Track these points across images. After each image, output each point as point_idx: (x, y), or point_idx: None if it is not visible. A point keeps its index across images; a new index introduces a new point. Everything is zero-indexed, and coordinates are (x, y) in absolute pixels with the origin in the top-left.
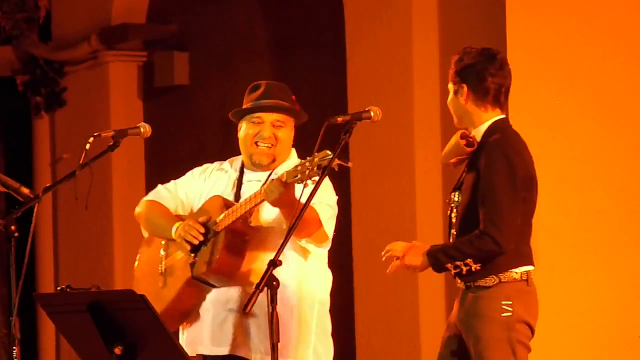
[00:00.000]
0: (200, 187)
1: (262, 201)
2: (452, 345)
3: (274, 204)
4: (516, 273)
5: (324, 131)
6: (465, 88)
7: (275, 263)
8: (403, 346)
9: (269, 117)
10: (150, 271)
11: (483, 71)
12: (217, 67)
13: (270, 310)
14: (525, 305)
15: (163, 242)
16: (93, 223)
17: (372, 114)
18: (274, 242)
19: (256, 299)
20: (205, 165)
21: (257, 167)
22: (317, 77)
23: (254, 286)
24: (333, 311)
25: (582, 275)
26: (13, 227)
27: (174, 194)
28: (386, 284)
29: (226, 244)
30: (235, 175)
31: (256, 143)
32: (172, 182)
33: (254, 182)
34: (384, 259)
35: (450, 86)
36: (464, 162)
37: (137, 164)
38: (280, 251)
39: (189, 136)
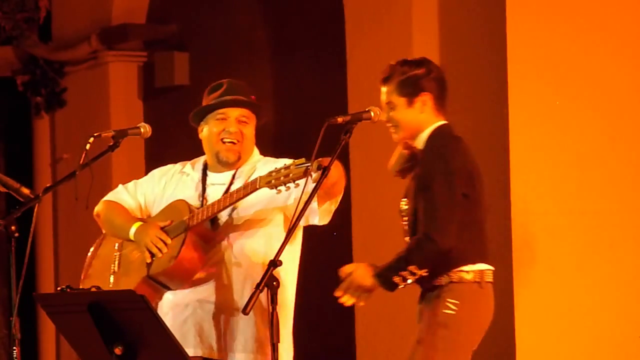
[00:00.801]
0: (159, 190)
1: (226, 206)
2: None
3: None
4: (466, 272)
5: (324, 131)
6: (429, 96)
7: (275, 263)
8: (403, 346)
9: (233, 113)
10: (102, 269)
11: (443, 79)
12: (217, 67)
13: (270, 310)
14: (473, 307)
15: (117, 242)
16: (93, 223)
17: (372, 114)
18: (237, 248)
19: (256, 299)
20: (168, 167)
21: (223, 165)
22: (317, 77)
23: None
24: (333, 311)
25: (582, 275)
26: (13, 227)
27: (133, 195)
28: None
29: (186, 246)
30: (197, 177)
31: (222, 140)
32: (132, 182)
33: (217, 185)
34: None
35: (400, 99)
36: (411, 170)
37: (137, 164)
38: (280, 251)
39: (189, 136)
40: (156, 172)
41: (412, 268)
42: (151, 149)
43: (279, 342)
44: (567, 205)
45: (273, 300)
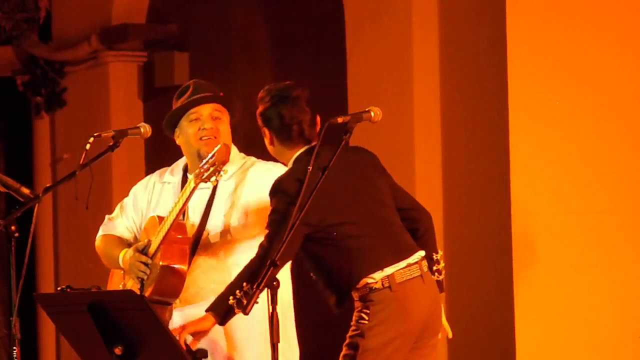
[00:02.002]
0: (145, 206)
1: (184, 205)
2: None
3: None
4: (372, 279)
5: (324, 131)
6: (267, 132)
7: (275, 263)
8: None
9: (205, 110)
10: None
11: (279, 112)
12: (217, 67)
13: (270, 310)
14: (387, 313)
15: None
16: (93, 223)
17: (372, 114)
18: (219, 245)
19: (256, 299)
20: (146, 179)
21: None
22: (317, 77)
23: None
24: (332, 311)
25: (582, 275)
26: (13, 227)
27: (120, 221)
28: None
29: (162, 257)
30: (177, 179)
31: (200, 138)
32: (117, 206)
33: (204, 189)
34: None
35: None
36: None
37: (137, 164)
38: (280, 251)
39: None
40: (137, 190)
41: (244, 285)
42: (151, 149)
43: (279, 341)
44: (567, 205)
45: (273, 300)
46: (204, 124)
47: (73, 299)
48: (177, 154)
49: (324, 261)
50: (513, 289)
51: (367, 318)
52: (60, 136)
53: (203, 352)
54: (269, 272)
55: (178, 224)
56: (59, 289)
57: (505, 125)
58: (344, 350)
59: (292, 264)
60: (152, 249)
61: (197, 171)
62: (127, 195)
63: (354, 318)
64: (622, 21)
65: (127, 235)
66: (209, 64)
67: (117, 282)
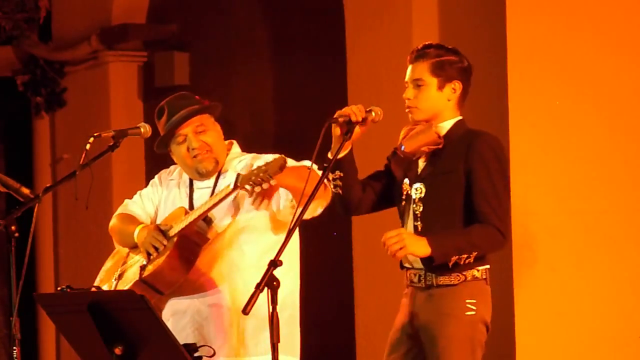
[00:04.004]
0: (161, 196)
1: (214, 206)
2: (402, 347)
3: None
4: (477, 271)
5: (324, 131)
6: (460, 85)
7: (275, 263)
8: None
9: (188, 129)
10: (107, 278)
11: (471, 77)
12: (217, 67)
13: (270, 310)
14: (485, 305)
15: (125, 252)
16: (93, 223)
17: (374, 114)
18: (227, 254)
19: (256, 299)
20: (161, 172)
21: (205, 175)
22: (317, 77)
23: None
24: (332, 311)
25: (582, 275)
26: (13, 227)
27: (140, 205)
28: (386, 283)
29: (174, 249)
30: (185, 184)
31: (194, 157)
32: (137, 193)
33: (204, 188)
34: (388, 251)
35: (432, 79)
36: (423, 153)
37: (137, 164)
38: (280, 251)
39: None
40: (156, 180)
41: (474, 254)
42: (151, 149)
43: (279, 342)
44: (567, 205)
45: (273, 300)
46: (191, 143)
47: (73, 299)
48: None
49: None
50: (513, 289)
51: (473, 308)
52: (60, 136)
53: (193, 347)
54: (269, 272)
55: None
56: (59, 289)
57: (505, 125)
58: None
59: (300, 264)
60: (170, 234)
61: (245, 174)
62: (127, 195)
63: (450, 308)
64: (622, 21)
65: (143, 218)
66: (209, 64)
67: (116, 262)
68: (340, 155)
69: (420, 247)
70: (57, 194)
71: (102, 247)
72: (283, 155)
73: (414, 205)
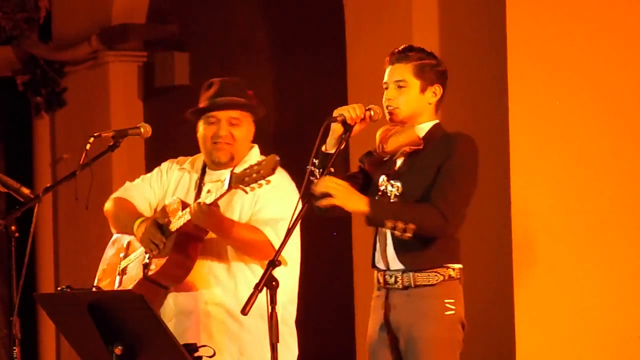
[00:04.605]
0: (166, 184)
1: (212, 203)
2: (382, 350)
3: (200, 225)
4: (453, 270)
5: (323, 130)
6: (440, 89)
7: (274, 263)
8: None
9: (223, 115)
10: (110, 270)
11: (446, 82)
12: (217, 67)
13: (270, 310)
14: (461, 304)
15: (125, 242)
16: (93, 223)
17: (372, 112)
18: (226, 249)
19: (255, 300)
20: (169, 161)
21: (217, 165)
22: (317, 77)
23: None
24: (332, 311)
25: (582, 275)
26: (13, 227)
27: (141, 191)
28: None
29: (175, 247)
30: (196, 175)
31: (214, 142)
32: (140, 177)
33: (216, 182)
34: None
35: (415, 81)
36: (403, 153)
37: (137, 164)
38: (278, 252)
39: (189, 136)
40: (163, 167)
41: (411, 227)
42: (151, 149)
43: (278, 342)
44: (567, 205)
45: (272, 300)
46: (219, 130)
47: (73, 299)
48: (177, 154)
49: None
50: (513, 289)
51: (453, 308)
52: (60, 136)
53: (193, 347)
54: (268, 272)
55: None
56: (59, 289)
57: (505, 125)
58: None
59: (300, 264)
60: (171, 228)
61: (238, 173)
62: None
63: (428, 309)
64: (622, 21)
65: (142, 205)
66: (209, 64)
67: (117, 251)
68: (334, 151)
69: (356, 203)
70: (57, 194)
71: (102, 247)
72: (275, 155)
73: (392, 201)
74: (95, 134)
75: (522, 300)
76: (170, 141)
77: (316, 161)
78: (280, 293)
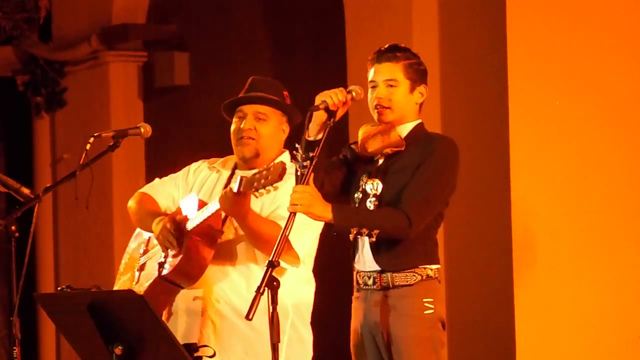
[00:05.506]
0: (190, 183)
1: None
2: (365, 351)
3: (226, 213)
4: (431, 270)
5: (308, 121)
6: (425, 89)
7: (273, 264)
8: None
9: (250, 109)
10: (130, 265)
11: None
12: (217, 67)
13: (271, 311)
14: (441, 303)
15: (146, 236)
16: (93, 223)
17: (354, 93)
18: (239, 249)
19: (258, 303)
20: (201, 160)
21: (243, 161)
22: (317, 77)
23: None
24: (332, 311)
25: (582, 275)
26: (13, 227)
27: (167, 188)
28: None
29: (190, 246)
30: (226, 174)
31: (240, 137)
32: (169, 175)
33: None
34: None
35: (405, 81)
36: (385, 154)
37: (137, 164)
38: (277, 251)
39: (189, 136)
40: (192, 166)
41: (375, 232)
42: (151, 149)
43: (279, 342)
44: (567, 205)
45: (273, 300)
46: (244, 123)
47: (73, 299)
48: (177, 154)
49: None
50: (513, 289)
51: (432, 307)
52: (60, 136)
53: (193, 347)
54: (268, 274)
55: (216, 214)
56: (59, 289)
57: (505, 125)
58: None
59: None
60: (187, 227)
61: (248, 178)
62: (127, 195)
63: (408, 309)
64: (622, 21)
65: (164, 203)
66: (209, 64)
67: (138, 246)
68: (318, 138)
69: (322, 210)
70: (57, 194)
71: (102, 247)
72: (283, 162)
73: (371, 200)
74: (95, 134)
75: (522, 300)
76: (170, 141)
77: (301, 151)
78: (291, 292)
